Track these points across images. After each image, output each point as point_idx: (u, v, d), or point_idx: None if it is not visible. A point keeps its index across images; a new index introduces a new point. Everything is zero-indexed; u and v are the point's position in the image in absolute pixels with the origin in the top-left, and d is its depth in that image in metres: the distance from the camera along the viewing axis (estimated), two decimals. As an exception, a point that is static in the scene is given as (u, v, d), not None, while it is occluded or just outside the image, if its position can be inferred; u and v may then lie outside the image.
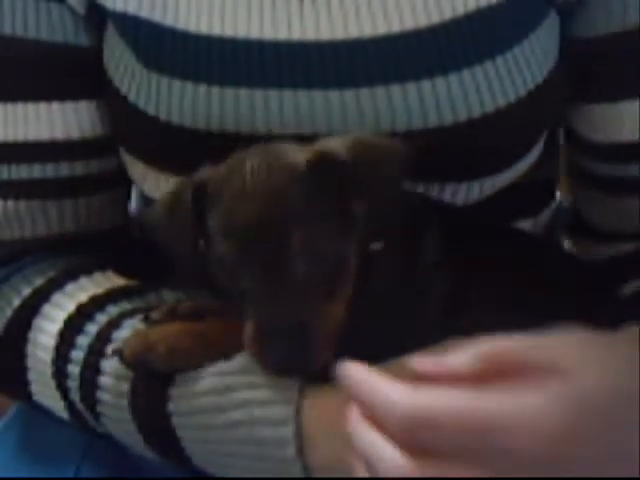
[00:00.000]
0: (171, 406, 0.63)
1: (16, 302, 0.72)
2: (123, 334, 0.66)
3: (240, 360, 0.63)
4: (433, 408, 0.49)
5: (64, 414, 0.71)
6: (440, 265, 0.67)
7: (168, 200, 0.66)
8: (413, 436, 0.49)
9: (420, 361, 0.53)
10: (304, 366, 0.59)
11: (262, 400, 0.60)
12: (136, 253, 0.80)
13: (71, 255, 0.75)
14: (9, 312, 0.72)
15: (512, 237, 0.78)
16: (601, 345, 0.55)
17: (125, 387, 0.65)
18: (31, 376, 0.71)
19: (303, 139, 0.66)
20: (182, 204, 0.63)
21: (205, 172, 0.64)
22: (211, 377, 0.62)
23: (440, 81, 0.68)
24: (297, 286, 0.59)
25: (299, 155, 0.62)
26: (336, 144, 0.62)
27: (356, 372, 0.53)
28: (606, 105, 0.75)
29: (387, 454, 0.50)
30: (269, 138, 0.67)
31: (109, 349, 0.66)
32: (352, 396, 0.52)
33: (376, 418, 0.51)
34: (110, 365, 0.65)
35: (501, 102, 0.70)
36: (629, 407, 0.52)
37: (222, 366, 0.63)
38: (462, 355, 0.52)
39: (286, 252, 0.59)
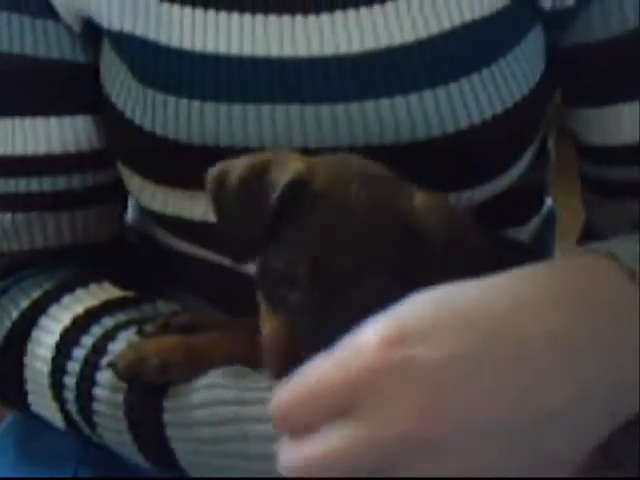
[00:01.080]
0: (166, 417, 0.64)
1: (14, 314, 0.73)
2: (118, 346, 0.67)
3: (232, 374, 0.64)
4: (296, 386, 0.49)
5: (61, 424, 0.72)
6: None
7: (247, 176, 0.62)
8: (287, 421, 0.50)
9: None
10: None
11: (253, 416, 0.61)
12: (133, 263, 0.81)
13: (69, 267, 0.77)
14: (8, 323, 0.73)
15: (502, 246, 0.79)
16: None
17: (120, 398, 0.66)
18: (29, 387, 0.72)
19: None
20: (267, 190, 0.61)
21: (298, 164, 0.62)
22: (204, 390, 0.64)
23: (428, 94, 0.70)
24: (342, 319, 0.57)
25: (399, 201, 0.61)
26: (432, 212, 0.61)
27: None
28: (604, 108, 0.75)
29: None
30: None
31: (104, 361, 0.67)
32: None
33: None
34: (105, 377, 0.67)
35: (488, 113, 0.71)
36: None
37: (215, 380, 0.64)
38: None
39: (350, 293, 0.59)
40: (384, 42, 0.70)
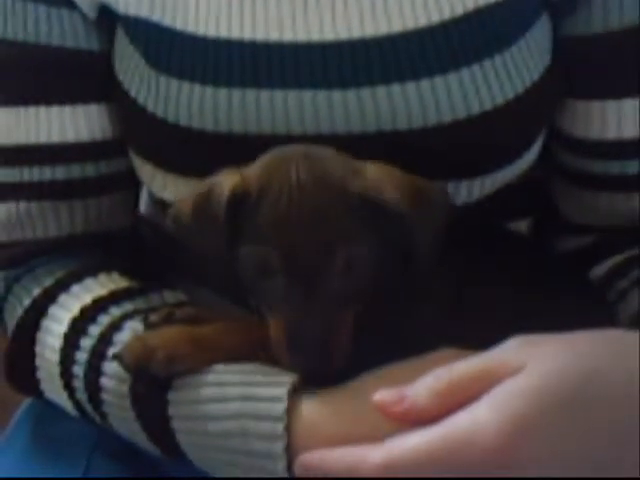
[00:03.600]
0: (170, 410, 0.64)
1: (27, 302, 0.74)
2: (124, 336, 0.68)
3: (238, 369, 0.64)
4: (404, 457, 0.54)
5: (73, 411, 0.73)
6: (439, 266, 0.68)
7: (196, 203, 0.66)
8: None
9: (381, 397, 0.57)
10: (328, 369, 0.62)
11: (254, 414, 0.61)
12: (145, 253, 0.82)
13: (81, 255, 0.77)
14: (20, 312, 0.74)
15: (507, 237, 0.79)
16: (557, 343, 0.58)
17: (126, 389, 0.66)
18: (41, 375, 0.73)
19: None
20: (214, 211, 0.64)
21: (234, 178, 0.64)
22: (209, 385, 0.64)
23: (439, 80, 0.69)
24: (328, 296, 0.62)
25: (346, 177, 0.63)
26: (387, 183, 0.63)
27: (314, 456, 0.58)
28: (591, 102, 0.76)
29: None
30: (276, 139, 0.69)
31: (110, 352, 0.67)
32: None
33: None
34: (111, 367, 0.67)
35: (499, 100, 0.71)
36: (583, 405, 0.55)
37: (220, 376, 0.64)
38: (421, 391, 0.56)
39: (326, 267, 0.62)
40: (397, 27, 0.70)
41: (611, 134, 0.76)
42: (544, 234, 0.86)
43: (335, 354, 0.62)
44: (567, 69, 0.76)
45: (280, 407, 0.60)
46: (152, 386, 0.65)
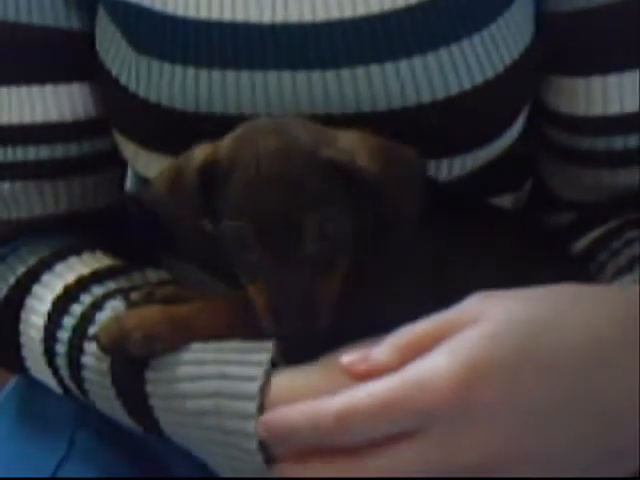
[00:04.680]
0: (148, 388, 0.65)
1: (11, 281, 0.75)
2: (105, 315, 0.68)
3: (216, 348, 0.64)
4: (362, 399, 0.56)
5: (57, 389, 0.73)
6: (421, 237, 0.68)
7: (170, 176, 0.67)
8: (349, 433, 0.55)
9: (348, 358, 0.58)
10: (311, 329, 0.63)
11: (229, 392, 0.62)
12: (131, 231, 0.82)
13: (67, 235, 0.77)
14: (5, 290, 0.75)
15: (490, 211, 0.79)
16: (513, 295, 0.60)
17: (106, 367, 0.67)
18: (25, 353, 0.74)
19: None
20: (187, 182, 0.64)
21: (206, 149, 0.65)
22: (185, 364, 0.64)
23: (418, 61, 0.69)
24: (305, 262, 0.62)
25: (316, 144, 0.63)
26: (358, 148, 0.63)
27: (274, 415, 0.59)
28: (577, 79, 0.76)
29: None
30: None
31: (90, 331, 0.68)
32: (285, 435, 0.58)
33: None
34: (92, 346, 0.68)
35: (478, 79, 0.71)
36: (536, 350, 0.57)
37: (197, 354, 0.64)
38: (383, 348, 0.58)
39: (298, 234, 0.62)
40: (375, 8, 0.70)
41: (597, 110, 0.76)
42: (530, 209, 0.86)
43: (317, 316, 0.62)
44: (551, 46, 0.76)
45: (254, 386, 0.61)
46: (130, 365, 0.66)
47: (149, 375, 0.65)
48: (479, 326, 0.57)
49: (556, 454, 0.57)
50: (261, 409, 0.61)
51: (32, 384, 0.78)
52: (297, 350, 0.64)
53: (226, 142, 0.65)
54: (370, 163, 0.63)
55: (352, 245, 0.65)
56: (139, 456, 0.78)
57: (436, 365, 0.56)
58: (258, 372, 0.62)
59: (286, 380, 0.62)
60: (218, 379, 0.62)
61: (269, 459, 0.61)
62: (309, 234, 0.62)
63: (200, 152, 0.65)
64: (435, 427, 0.55)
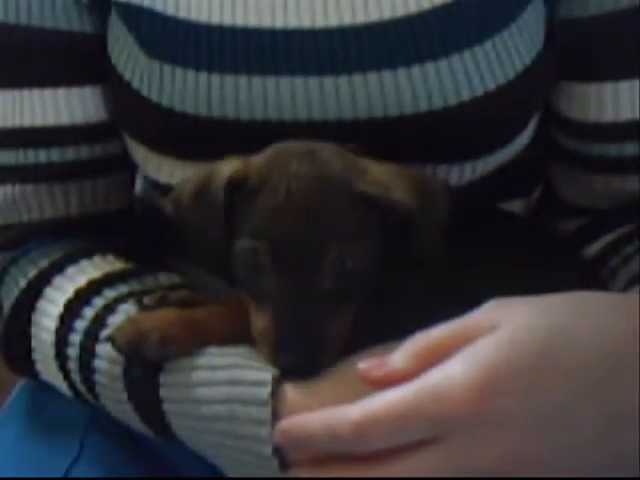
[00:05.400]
0: (162, 393, 0.65)
1: (22, 284, 0.74)
2: (117, 319, 0.68)
3: (229, 353, 0.64)
4: (380, 409, 0.56)
5: (68, 392, 0.73)
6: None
7: (195, 188, 0.66)
8: (368, 441, 0.55)
9: (364, 365, 0.59)
10: (312, 369, 0.62)
11: (242, 398, 0.62)
12: (140, 234, 0.82)
13: (77, 238, 0.77)
14: (16, 293, 0.75)
15: (502, 217, 0.79)
16: (527, 303, 0.60)
17: (119, 371, 0.67)
18: (36, 356, 0.74)
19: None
20: (213, 195, 0.64)
21: (235, 164, 0.65)
22: (200, 369, 0.64)
23: (430, 67, 0.69)
24: (319, 294, 0.62)
25: (349, 175, 0.63)
26: (392, 181, 0.63)
27: (292, 422, 0.59)
28: (588, 85, 0.76)
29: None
30: (268, 125, 0.70)
31: (103, 334, 0.68)
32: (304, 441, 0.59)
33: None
34: (104, 349, 0.67)
35: (490, 85, 0.71)
36: (551, 357, 0.57)
37: (211, 358, 0.64)
38: (399, 355, 0.58)
39: (317, 264, 0.62)
40: (387, 14, 0.70)
41: (608, 116, 0.76)
42: (541, 215, 0.86)
43: (322, 352, 0.62)
44: (564, 52, 0.76)
45: (265, 391, 0.61)
46: (144, 368, 0.65)
47: (163, 379, 0.65)
48: (496, 334, 0.57)
49: (572, 455, 0.57)
50: (274, 414, 0.61)
51: (41, 386, 0.78)
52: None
53: (257, 160, 0.65)
54: (405, 196, 0.62)
55: (369, 279, 0.64)
56: (149, 459, 0.78)
57: (453, 374, 0.56)
58: (268, 376, 0.62)
59: (299, 388, 0.62)
60: (229, 385, 0.62)
61: (283, 465, 0.61)
62: (328, 265, 0.62)
63: (228, 167, 0.65)
64: (453, 435, 0.55)
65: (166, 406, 0.65)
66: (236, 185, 0.63)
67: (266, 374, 0.62)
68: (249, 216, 0.63)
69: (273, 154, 0.65)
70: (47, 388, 0.76)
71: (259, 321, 0.63)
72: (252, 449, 0.61)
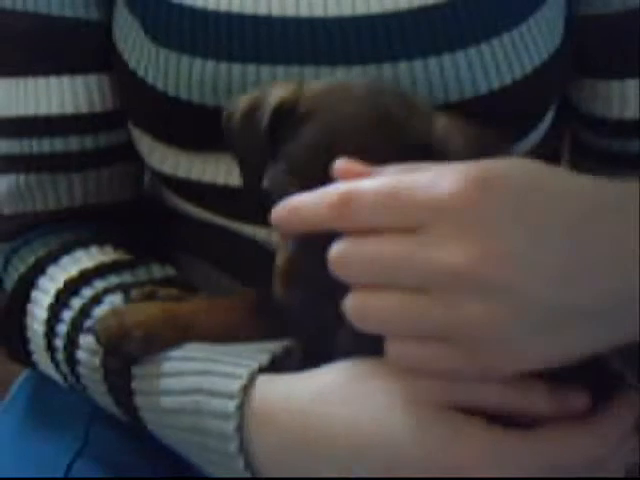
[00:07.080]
0: (133, 385, 0.63)
1: (20, 273, 0.74)
2: (102, 310, 0.67)
3: (207, 348, 0.62)
4: (371, 185, 0.53)
5: (63, 383, 0.73)
6: None
7: (246, 108, 0.64)
8: (353, 213, 0.53)
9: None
10: (318, 314, 0.59)
11: (208, 390, 0.60)
12: (143, 225, 0.81)
13: (80, 228, 0.77)
14: (14, 283, 0.74)
15: None
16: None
17: (97, 362, 0.66)
18: (31, 347, 0.73)
19: None
20: (259, 119, 0.62)
21: (288, 87, 0.62)
22: (173, 360, 0.62)
23: (447, 58, 0.68)
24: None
25: (410, 119, 0.60)
26: (450, 129, 0.60)
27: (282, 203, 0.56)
28: (611, 82, 0.75)
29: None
30: None
31: (86, 325, 0.67)
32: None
33: None
34: (85, 340, 0.66)
35: (507, 79, 0.70)
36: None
37: (186, 352, 0.62)
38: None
39: None
40: (404, 4, 0.69)
41: (630, 113, 0.75)
42: None
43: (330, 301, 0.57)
44: (586, 48, 0.75)
45: (237, 384, 0.59)
46: (118, 360, 0.64)
47: (135, 371, 0.63)
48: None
49: (572, 277, 0.52)
50: (241, 410, 0.58)
51: (44, 377, 0.77)
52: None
53: (312, 90, 0.62)
54: (462, 150, 0.59)
55: None
56: (154, 450, 0.76)
57: (452, 167, 0.53)
58: (243, 372, 0.59)
59: (272, 386, 0.59)
60: (198, 375, 0.60)
61: (249, 465, 0.58)
62: None
63: (281, 90, 0.62)
64: (439, 225, 0.51)
65: (137, 399, 0.63)
66: (284, 112, 0.61)
67: (242, 370, 0.60)
68: (289, 147, 0.60)
69: (330, 87, 0.62)
70: (49, 379, 0.75)
71: (280, 256, 0.60)
72: (217, 446, 0.59)
